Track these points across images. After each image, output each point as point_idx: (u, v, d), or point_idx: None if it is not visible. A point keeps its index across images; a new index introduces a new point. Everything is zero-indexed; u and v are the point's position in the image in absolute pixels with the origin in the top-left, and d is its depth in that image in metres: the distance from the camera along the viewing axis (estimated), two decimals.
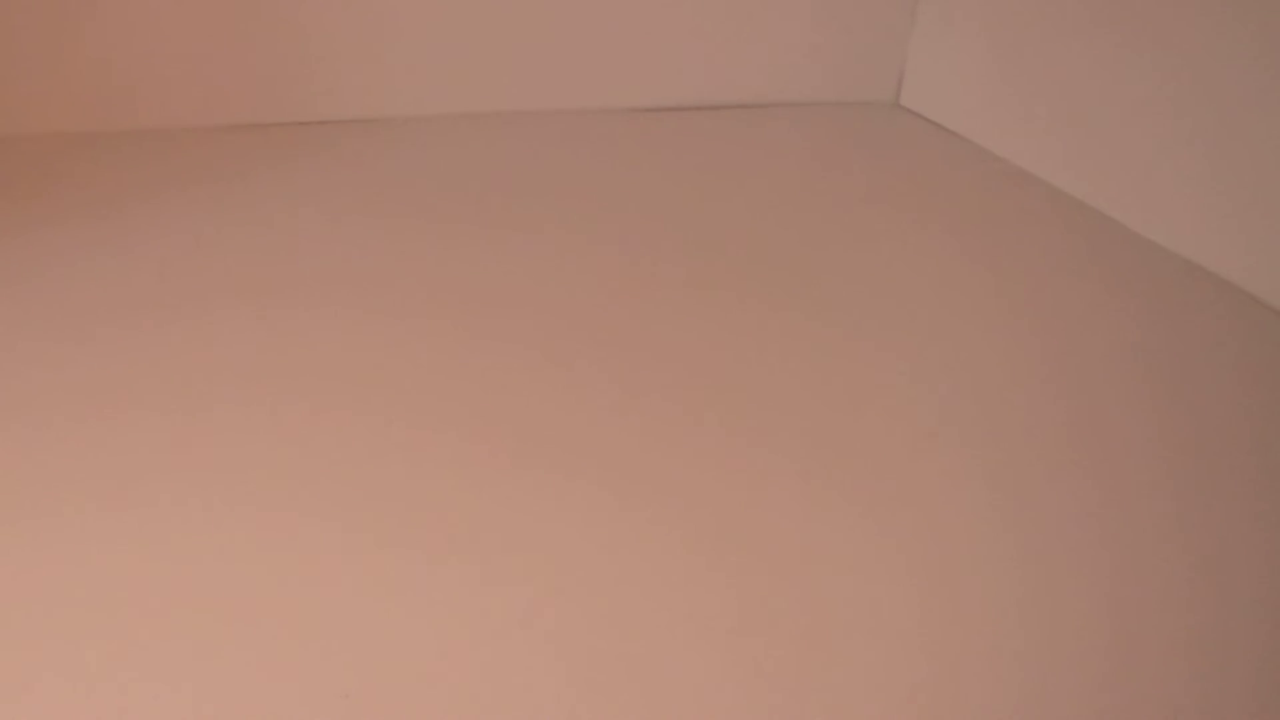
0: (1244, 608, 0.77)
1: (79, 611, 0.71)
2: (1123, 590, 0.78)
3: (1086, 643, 0.73)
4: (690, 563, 0.77)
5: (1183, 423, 0.96)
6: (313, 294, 1.04)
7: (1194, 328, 1.10)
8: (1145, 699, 0.70)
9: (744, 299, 1.08)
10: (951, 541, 0.81)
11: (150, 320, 0.98)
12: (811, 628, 0.73)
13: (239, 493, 0.81)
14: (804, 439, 0.90)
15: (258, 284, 1.04)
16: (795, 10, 1.53)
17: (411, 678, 0.68)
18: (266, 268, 1.07)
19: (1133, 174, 1.28)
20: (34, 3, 1.28)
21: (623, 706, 0.67)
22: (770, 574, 0.77)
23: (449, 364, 0.95)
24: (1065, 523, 0.84)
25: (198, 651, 0.69)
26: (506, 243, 1.15)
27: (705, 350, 1.00)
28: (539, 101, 1.47)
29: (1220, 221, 1.19)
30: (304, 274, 1.07)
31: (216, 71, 1.35)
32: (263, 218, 1.16)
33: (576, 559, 0.77)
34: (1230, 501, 0.87)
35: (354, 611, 0.72)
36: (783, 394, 0.95)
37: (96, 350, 0.94)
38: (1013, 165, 1.42)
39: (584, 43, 1.47)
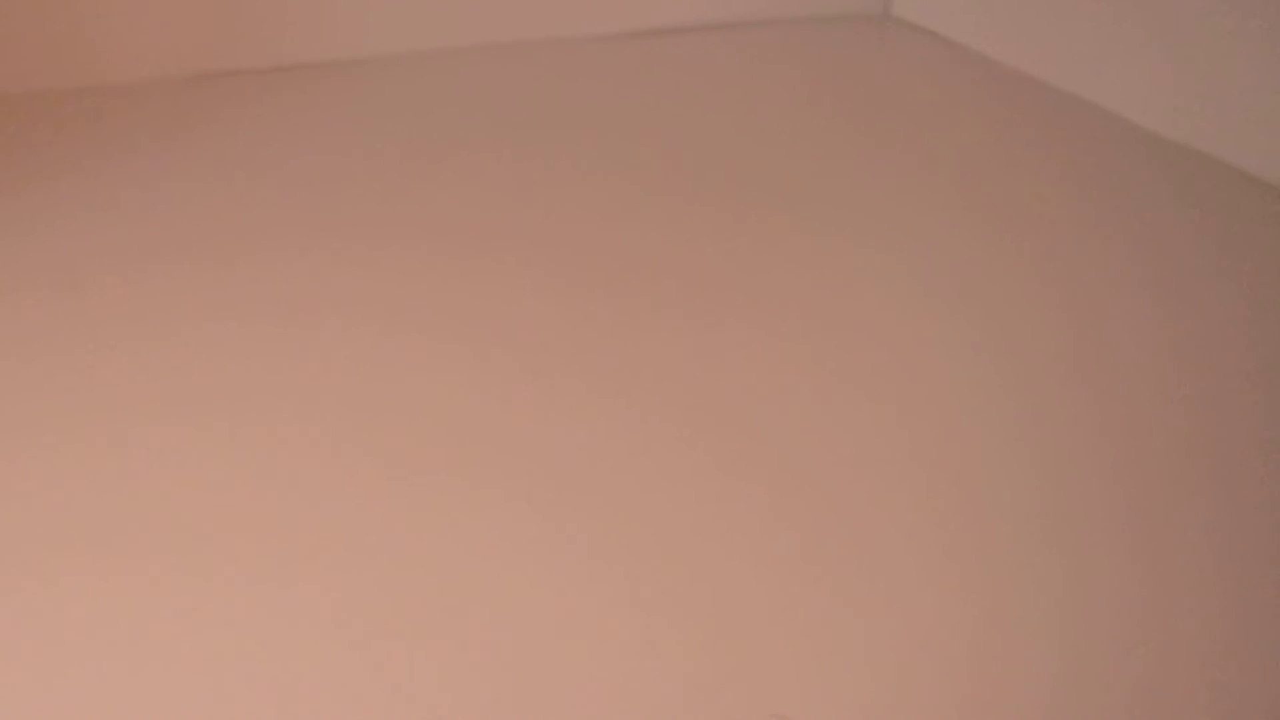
0: (1253, 498, 0.78)
1: (80, 554, 0.70)
2: (1132, 487, 0.78)
3: (1109, 558, 0.73)
4: (713, 467, 0.79)
5: (1194, 314, 0.96)
6: (305, 239, 1.02)
7: (1212, 218, 1.09)
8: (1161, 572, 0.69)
9: (746, 221, 1.07)
10: (961, 438, 0.83)
11: (139, 273, 0.97)
12: (828, 527, 0.75)
13: (252, 429, 0.81)
14: (814, 345, 0.91)
15: (247, 232, 1.03)
16: None
17: (449, 603, 0.67)
18: (253, 216, 1.05)
19: (1144, 73, 1.25)
20: None
21: (658, 613, 0.66)
22: (785, 473, 0.79)
23: (452, 295, 0.95)
24: (1075, 417, 0.84)
25: (215, 577, 0.69)
26: (495, 175, 1.13)
27: (714, 272, 0.99)
28: (513, 32, 1.43)
29: (1233, 113, 1.17)
30: (293, 220, 1.05)
31: (181, 18, 1.31)
32: (243, 167, 1.13)
33: (594, 470, 0.79)
34: (1231, 371, 0.89)
35: (369, 535, 0.72)
36: (791, 306, 0.95)
37: (87, 304, 0.93)
38: (1018, 71, 1.39)
39: None
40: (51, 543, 0.72)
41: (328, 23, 1.36)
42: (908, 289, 0.99)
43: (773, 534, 0.74)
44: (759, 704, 0.63)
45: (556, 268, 0.99)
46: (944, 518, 0.76)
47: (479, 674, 0.64)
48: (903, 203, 1.12)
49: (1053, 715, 0.63)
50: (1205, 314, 0.97)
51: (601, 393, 0.86)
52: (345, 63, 1.36)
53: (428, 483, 0.77)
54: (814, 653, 0.67)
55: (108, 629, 0.66)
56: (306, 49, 1.36)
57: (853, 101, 1.33)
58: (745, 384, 0.87)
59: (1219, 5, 1.18)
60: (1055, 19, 1.34)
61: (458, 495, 0.76)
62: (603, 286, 0.97)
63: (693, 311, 0.95)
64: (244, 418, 0.82)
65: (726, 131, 1.23)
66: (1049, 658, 0.67)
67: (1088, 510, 0.77)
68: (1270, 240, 1.07)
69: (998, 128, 1.26)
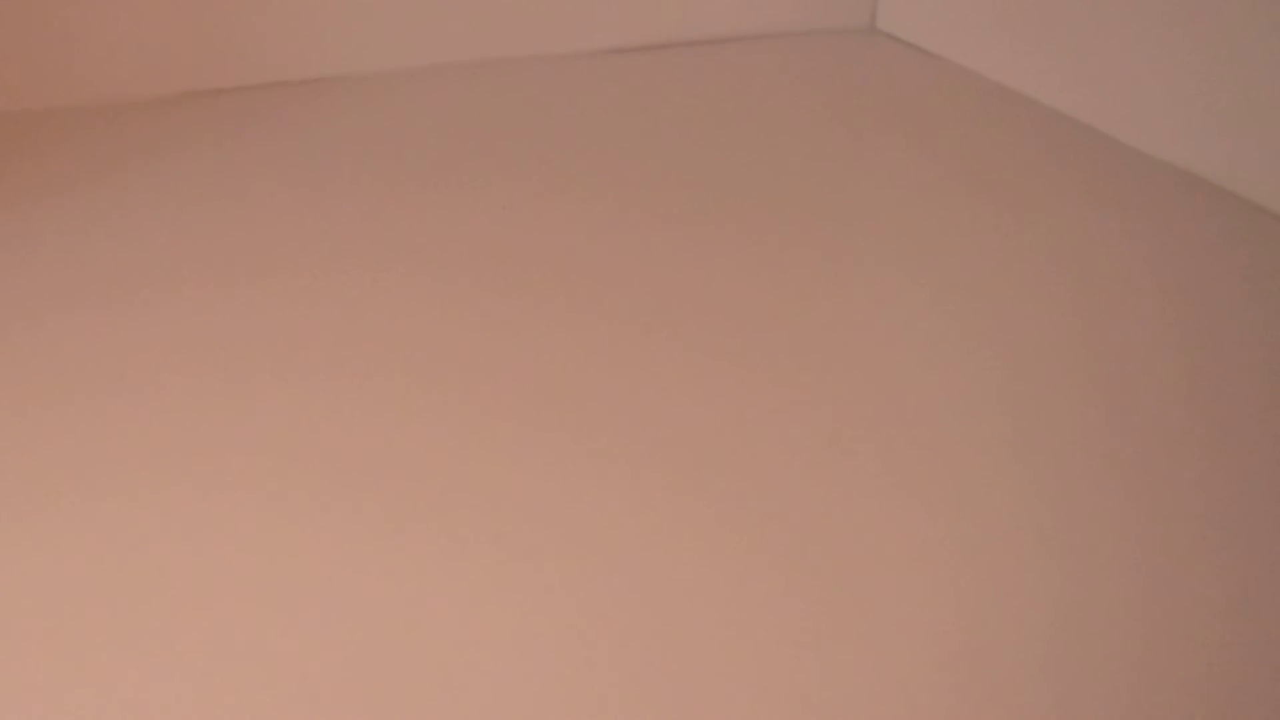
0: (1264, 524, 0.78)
1: (58, 605, 0.69)
2: (1142, 512, 0.78)
3: (1109, 568, 0.73)
4: (708, 512, 0.77)
5: (1191, 328, 0.96)
6: (289, 263, 1.02)
7: (1199, 238, 1.09)
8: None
9: (732, 236, 1.07)
10: (960, 466, 0.82)
11: (121, 300, 0.96)
12: (829, 568, 0.73)
13: (227, 475, 0.79)
14: (807, 372, 0.90)
15: (230, 256, 1.02)
16: None
17: (426, 651, 0.66)
18: (237, 239, 1.05)
19: (1126, 88, 1.26)
20: None
21: (645, 671, 0.65)
22: (784, 509, 0.78)
23: (438, 325, 0.94)
24: (1083, 449, 0.84)
25: (202, 642, 0.67)
26: (484, 196, 1.13)
27: (700, 292, 0.99)
28: (497, 49, 1.43)
29: (1219, 131, 1.17)
30: (277, 243, 1.05)
31: (161, 37, 1.31)
32: (227, 188, 1.13)
33: (585, 516, 0.77)
34: (1244, 404, 0.88)
35: (358, 594, 0.71)
36: (783, 328, 0.95)
37: (66, 332, 0.92)
38: (1002, 86, 1.39)
39: None
40: (31, 576, 0.71)
41: (311, 40, 1.36)
42: (892, 301, 0.99)
43: (772, 548, 0.74)
44: None
45: (543, 290, 0.99)
46: (947, 531, 0.76)
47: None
48: (886, 216, 1.12)
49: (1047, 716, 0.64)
50: (1206, 327, 0.97)
51: (591, 422, 0.85)
52: (330, 80, 1.36)
53: (416, 519, 0.77)
54: (812, 660, 0.67)
55: (89, 673, 0.66)
56: (289, 66, 1.36)
57: (838, 115, 1.33)
58: (735, 401, 0.87)
59: (1202, 21, 1.18)
60: (1040, 34, 1.34)
61: (449, 533, 0.76)
62: (586, 307, 0.97)
63: (681, 329, 0.95)
64: (224, 444, 0.82)
65: (712, 147, 1.24)
66: (1047, 665, 0.67)
67: (1099, 530, 0.77)
68: (1251, 256, 1.08)
69: (982, 142, 1.27)
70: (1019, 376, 0.91)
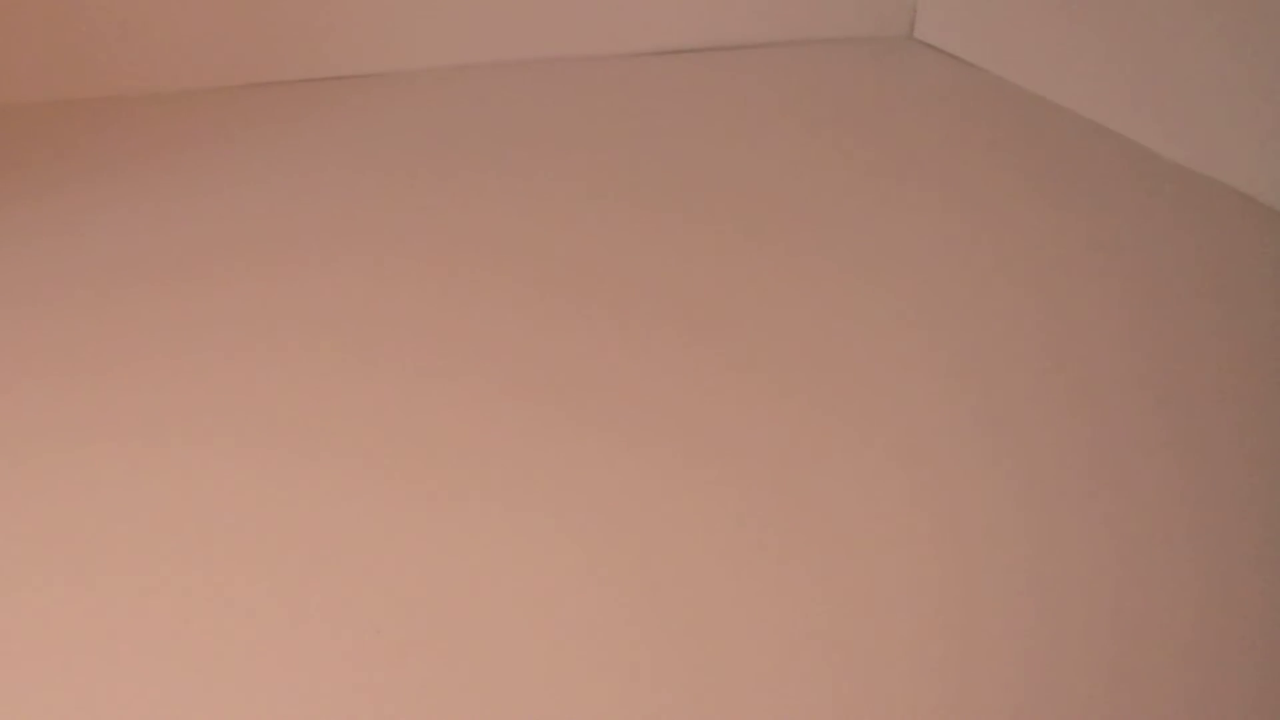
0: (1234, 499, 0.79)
1: (92, 558, 0.72)
2: (1112, 504, 0.79)
3: (1085, 557, 0.75)
4: (702, 479, 0.79)
5: (1189, 332, 0.96)
6: (324, 252, 1.04)
7: (1223, 245, 1.09)
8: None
9: (760, 244, 1.08)
10: (942, 457, 0.83)
11: (163, 279, 0.98)
12: (814, 545, 0.75)
13: (262, 438, 0.82)
14: (814, 371, 0.91)
15: (284, 238, 1.05)
16: None
17: (442, 610, 0.69)
18: (277, 227, 1.07)
19: (1162, 99, 1.27)
20: None
21: (647, 630, 0.68)
22: (772, 490, 0.80)
23: (460, 311, 0.96)
24: (1058, 443, 0.85)
25: (228, 591, 0.70)
26: (516, 193, 1.14)
27: (720, 292, 1.00)
28: (540, 49, 1.45)
29: (1261, 145, 1.18)
30: (314, 232, 1.06)
31: (215, 32, 1.34)
32: (270, 178, 1.15)
33: (591, 491, 0.79)
34: (1215, 386, 0.90)
35: (381, 550, 0.73)
36: (797, 330, 0.96)
37: (111, 310, 0.94)
38: (1036, 95, 1.40)
39: None
40: (45, 553, 0.73)
41: (365, 37, 1.39)
42: (916, 307, 1.00)
43: (762, 545, 0.76)
44: (747, 708, 0.66)
45: (568, 286, 1.00)
46: (928, 530, 0.77)
47: (474, 687, 0.66)
48: (918, 223, 1.12)
49: (1028, 712, 0.65)
50: (1201, 331, 0.98)
51: (601, 412, 0.86)
52: (381, 75, 1.38)
53: (423, 496, 0.78)
54: (802, 655, 0.69)
55: (99, 639, 0.68)
56: (344, 62, 1.39)
57: (872, 122, 1.34)
58: (742, 400, 0.88)
59: (1235, 41, 1.19)
60: (1075, 46, 1.35)
61: (452, 508, 0.77)
62: (613, 305, 0.98)
63: (701, 331, 0.95)
64: (250, 425, 0.83)
65: (748, 151, 1.25)
66: (1027, 665, 0.69)
67: (1068, 521, 0.78)
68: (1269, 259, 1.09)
69: (1014, 150, 1.27)
70: (1044, 382, 0.92)
